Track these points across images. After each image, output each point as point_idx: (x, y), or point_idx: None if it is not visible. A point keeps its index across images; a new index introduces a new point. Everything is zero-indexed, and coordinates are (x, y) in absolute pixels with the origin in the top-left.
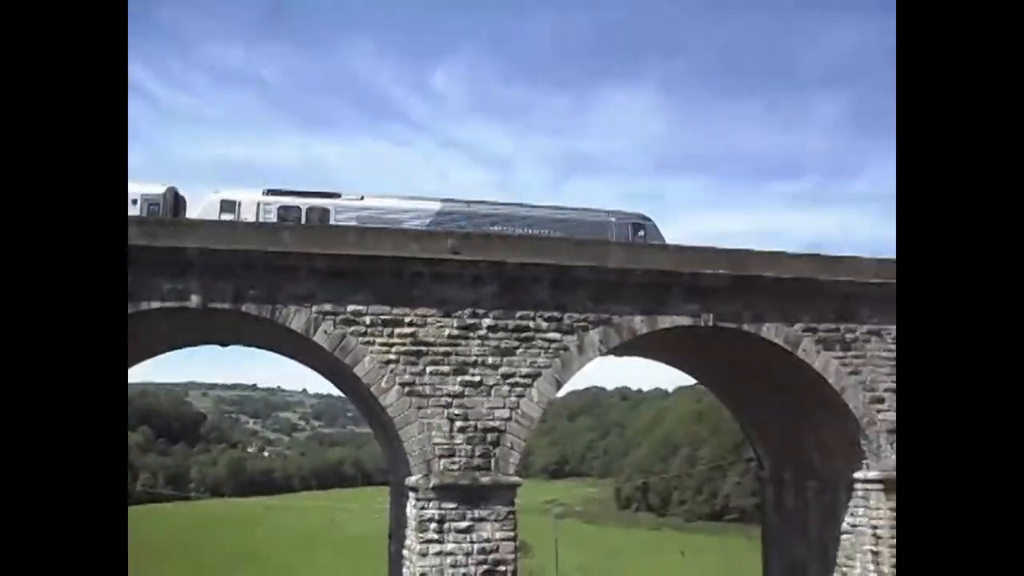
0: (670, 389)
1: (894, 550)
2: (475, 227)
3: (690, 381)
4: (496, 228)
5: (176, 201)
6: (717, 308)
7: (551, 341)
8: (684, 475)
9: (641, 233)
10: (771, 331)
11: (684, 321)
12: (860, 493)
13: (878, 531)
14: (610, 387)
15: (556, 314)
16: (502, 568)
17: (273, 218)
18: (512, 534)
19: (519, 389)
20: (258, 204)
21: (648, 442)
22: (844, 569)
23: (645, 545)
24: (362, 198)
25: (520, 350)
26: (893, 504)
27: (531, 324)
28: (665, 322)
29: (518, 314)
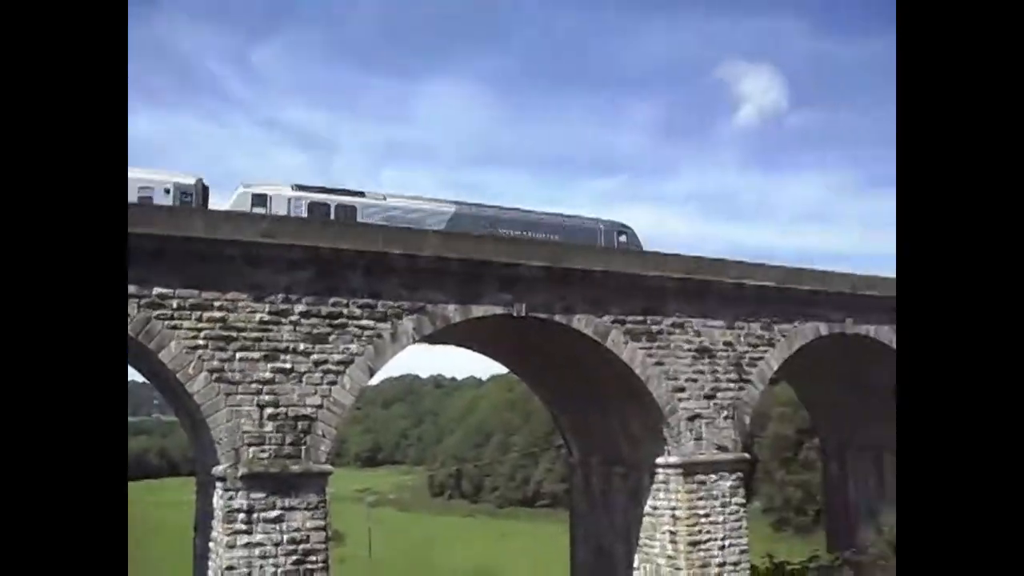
0: (484, 377)
1: (690, 529)
2: (482, 228)
3: (503, 370)
4: (504, 231)
5: (204, 191)
6: (530, 299)
7: (364, 328)
8: (496, 462)
9: (623, 239)
10: (581, 322)
11: (497, 310)
12: (661, 477)
13: (676, 512)
14: (425, 375)
15: (370, 301)
16: (313, 558)
17: (304, 213)
18: (323, 523)
19: (331, 376)
20: (288, 199)
21: (462, 430)
22: (646, 549)
23: (458, 531)
24: (384, 198)
25: (333, 337)
26: (690, 487)
27: (344, 311)
28: (479, 311)
29: (331, 300)
